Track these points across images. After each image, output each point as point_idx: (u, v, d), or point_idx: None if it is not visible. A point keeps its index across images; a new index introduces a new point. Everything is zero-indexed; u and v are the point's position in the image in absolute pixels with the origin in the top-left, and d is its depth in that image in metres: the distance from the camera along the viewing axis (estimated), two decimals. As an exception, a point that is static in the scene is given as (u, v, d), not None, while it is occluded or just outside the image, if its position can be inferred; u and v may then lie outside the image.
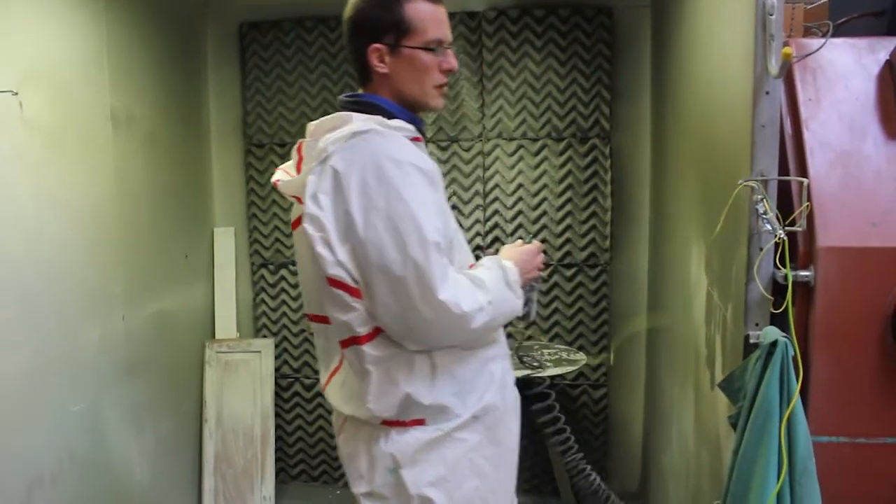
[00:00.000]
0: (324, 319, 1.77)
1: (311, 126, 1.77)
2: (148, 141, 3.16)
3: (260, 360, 3.72)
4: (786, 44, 1.65)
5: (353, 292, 1.65)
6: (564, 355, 3.33)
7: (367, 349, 1.70)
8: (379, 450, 1.76)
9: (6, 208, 2.30)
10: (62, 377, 2.57)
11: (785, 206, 1.77)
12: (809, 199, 1.73)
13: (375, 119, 1.67)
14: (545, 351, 3.40)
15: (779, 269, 1.72)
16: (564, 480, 3.25)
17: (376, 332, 1.69)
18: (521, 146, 3.63)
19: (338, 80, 3.70)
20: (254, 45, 3.74)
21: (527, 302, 1.90)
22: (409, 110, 1.80)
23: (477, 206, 3.68)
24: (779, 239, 1.66)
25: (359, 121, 1.66)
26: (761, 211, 1.67)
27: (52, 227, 2.51)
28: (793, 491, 1.60)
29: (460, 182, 3.68)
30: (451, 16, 3.53)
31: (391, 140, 1.64)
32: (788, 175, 1.79)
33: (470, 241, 3.68)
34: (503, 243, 3.65)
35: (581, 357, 3.30)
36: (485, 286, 1.68)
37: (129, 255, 2.98)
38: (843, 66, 1.87)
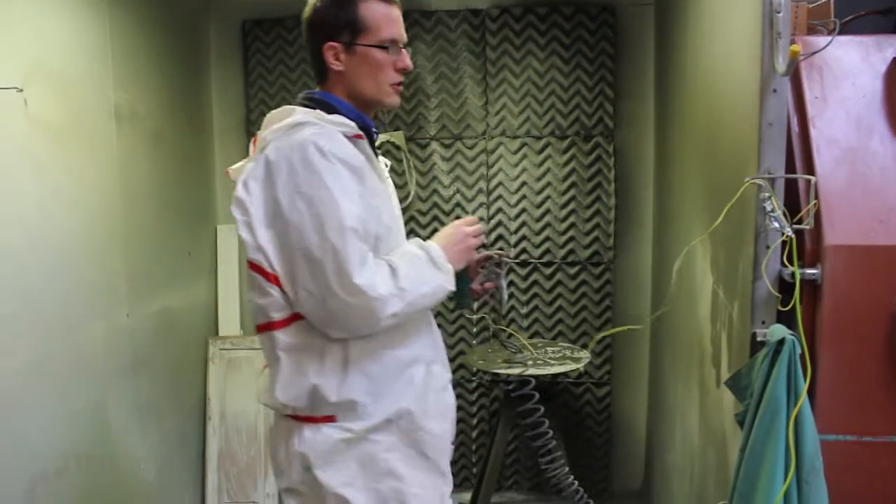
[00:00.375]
0: None
1: (266, 118, 1.81)
2: (151, 138, 3.15)
3: (263, 357, 3.72)
4: (793, 42, 1.65)
5: (270, 278, 1.70)
6: (568, 353, 3.33)
7: (280, 335, 1.74)
8: (293, 448, 1.78)
9: (10, 205, 2.30)
10: (66, 374, 2.57)
11: (792, 204, 1.77)
12: (816, 196, 1.73)
13: (315, 113, 1.73)
14: (549, 349, 3.40)
15: (786, 266, 1.72)
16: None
17: (291, 320, 1.73)
18: (524, 144, 3.62)
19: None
20: (257, 43, 3.74)
21: (494, 291, 1.95)
22: (364, 108, 1.86)
23: (480, 205, 3.68)
24: (786, 237, 1.66)
25: (300, 114, 1.73)
26: (769, 209, 1.67)
27: (55, 224, 2.50)
28: (800, 489, 1.60)
29: (464, 180, 3.67)
30: (455, 14, 3.58)
31: (324, 132, 1.68)
32: (795, 173, 1.79)
33: (473, 239, 3.67)
34: (507, 242, 3.66)
35: (585, 355, 3.29)
36: (398, 271, 1.70)
37: (133, 252, 2.98)
38: (850, 64, 1.87)
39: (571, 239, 3.64)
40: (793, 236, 1.66)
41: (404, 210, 3.64)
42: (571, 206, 3.63)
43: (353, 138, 1.74)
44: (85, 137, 2.69)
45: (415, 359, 1.84)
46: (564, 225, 3.64)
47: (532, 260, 3.68)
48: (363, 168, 1.72)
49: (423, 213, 3.70)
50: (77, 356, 2.63)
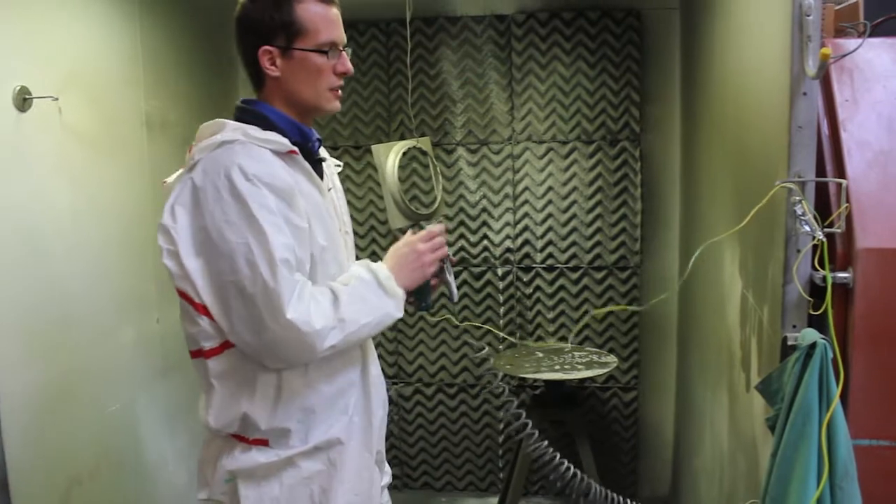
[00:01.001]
0: None
1: (198, 130, 1.73)
2: (181, 145, 3.17)
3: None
4: (822, 44, 1.64)
5: (199, 308, 1.63)
6: (595, 358, 3.32)
7: (211, 364, 1.69)
8: (222, 464, 1.75)
9: (45, 213, 2.34)
10: (99, 378, 2.61)
11: (822, 208, 1.76)
12: (848, 200, 1.72)
13: (243, 129, 1.64)
14: (576, 353, 3.39)
15: (817, 270, 1.71)
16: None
17: (222, 348, 1.67)
18: (550, 149, 3.63)
19: (367, 85, 3.72)
20: (284, 50, 3.76)
21: (434, 286, 1.89)
22: (303, 115, 1.78)
23: (507, 210, 3.68)
24: (817, 240, 1.65)
25: (229, 130, 1.64)
26: (799, 212, 1.66)
27: (89, 231, 2.54)
28: (833, 495, 1.59)
29: (490, 185, 3.68)
30: (480, 19, 3.59)
31: (250, 153, 1.60)
32: (826, 176, 1.78)
33: (499, 245, 3.69)
34: (533, 247, 3.66)
35: (612, 360, 3.29)
36: (340, 301, 1.63)
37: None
38: (881, 67, 1.85)
39: (598, 244, 3.64)
40: (824, 240, 1.65)
41: (431, 215, 3.65)
42: (598, 210, 3.62)
43: (286, 154, 1.67)
44: (117, 145, 2.73)
45: (350, 384, 1.80)
46: (591, 230, 3.64)
47: (558, 265, 3.68)
48: (291, 190, 1.62)
49: (450, 219, 3.71)
50: (109, 361, 2.67)
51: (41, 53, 2.33)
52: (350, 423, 1.80)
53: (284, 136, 1.69)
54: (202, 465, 1.84)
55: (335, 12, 1.76)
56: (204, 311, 1.63)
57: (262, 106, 1.75)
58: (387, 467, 2.06)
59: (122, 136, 2.77)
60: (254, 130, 1.65)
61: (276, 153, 1.65)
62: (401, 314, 1.74)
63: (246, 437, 1.74)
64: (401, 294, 1.74)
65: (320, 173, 1.84)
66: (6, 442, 2.13)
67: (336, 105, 1.80)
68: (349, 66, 1.78)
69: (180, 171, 1.71)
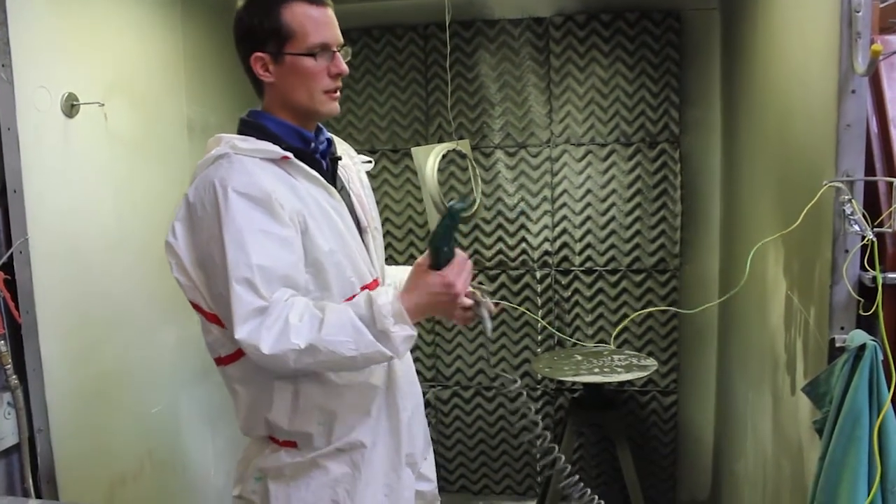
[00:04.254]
0: None
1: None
2: (223, 150, 3.22)
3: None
4: (873, 41, 1.62)
5: (209, 317, 1.66)
6: (634, 361, 3.30)
7: (230, 371, 1.74)
8: (254, 463, 1.81)
9: (92, 218, 2.38)
10: (142, 378, 2.64)
11: (870, 208, 1.73)
12: (899, 199, 1.69)
13: (233, 142, 1.65)
14: (615, 357, 3.37)
15: (866, 271, 1.68)
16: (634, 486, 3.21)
17: (237, 356, 1.69)
18: (589, 151, 3.61)
19: (405, 88, 3.73)
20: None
21: (478, 322, 1.74)
22: (303, 120, 1.76)
23: (545, 213, 3.67)
24: (868, 240, 1.63)
25: (223, 144, 1.65)
26: (848, 212, 1.64)
27: (132, 234, 2.57)
28: (885, 500, 1.56)
29: (528, 188, 3.67)
30: (518, 22, 3.59)
31: (233, 166, 1.60)
32: (875, 175, 1.75)
33: (537, 248, 3.67)
34: (572, 249, 3.64)
35: (651, 363, 3.26)
36: (322, 326, 1.54)
37: (205, 261, 3.05)
38: (931, 64, 1.82)
39: (637, 246, 3.61)
40: (874, 239, 1.62)
41: (470, 218, 3.65)
42: (637, 213, 3.60)
43: (281, 161, 1.66)
44: (160, 151, 2.76)
45: (371, 387, 1.78)
46: (630, 232, 3.61)
47: (597, 268, 3.66)
48: (271, 198, 1.59)
49: (488, 222, 3.71)
50: (152, 362, 2.71)
51: (87, 60, 2.37)
52: (375, 425, 1.80)
53: (278, 142, 1.69)
54: (240, 464, 1.90)
55: (327, 13, 1.72)
56: (214, 319, 1.65)
57: (261, 115, 1.76)
58: (430, 473, 2.04)
59: (164, 141, 2.80)
60: (242, 142, 1.65)
61: (271, 161, 1.65)
62: (397, 355, 1.60)
63: (277, 438, 1.78)
64: (398, 335, 1.57)
65: (331, 173, 1.82)
66: (54, 437, 2.16)
67: (333, 107, 1.76)
68: (343, 66, 1.73)
69: None
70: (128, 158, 2.57)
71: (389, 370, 1.83)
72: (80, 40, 2.35)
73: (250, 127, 1.73)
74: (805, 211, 1.83)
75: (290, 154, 1.67)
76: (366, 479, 1.78)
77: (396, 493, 1.84)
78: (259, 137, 1.69)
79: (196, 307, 1.69)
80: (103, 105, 2.39)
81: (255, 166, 1.62)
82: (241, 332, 1.52)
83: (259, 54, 1.70)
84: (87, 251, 2.36)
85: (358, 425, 1.78)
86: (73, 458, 2.26)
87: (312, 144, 1.77)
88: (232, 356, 1.71)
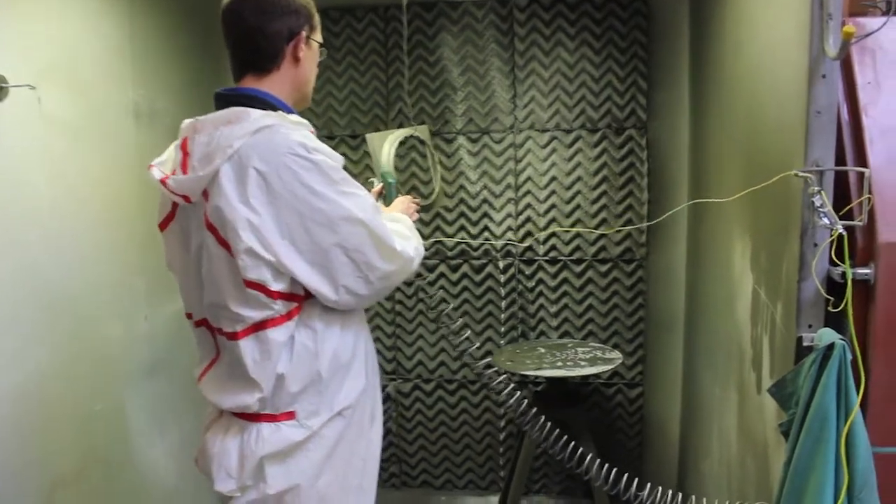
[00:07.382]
0: (205, 323, 1.84)
1: (196, 122, 1.72)
2: (170, 135, 3.00)
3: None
4: (843, 23, 1.53)
5: (273, 295, 1.66)
6: (599, 354, 3.22)
7: (272, 334, 1.70)
8: (250, 449, 1.74)
9: (23, 204, 2.24)
10: (84, 376, 2.52)
11: (841, 199, 1.66)
12: (870, 190, 1.61)
13: (277, 114, 1.66)
14: (579, 349, 3.29)
15: (835, 265, 1.60)
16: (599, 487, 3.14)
17: (284, 319, 1.70)
18: (554, 138, 3.51)
19: (364, 72, 3.61)
20: (279, 36, 3.66)
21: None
22: (297, 104, 1.84)
23: (508, 200, 3.57)
24: (836, 234, 1.54)
25: (258, 115, 1.64)
26: (817, 204, 1.56)
27: (71, 223, 2.45)
28: (852, 507, 1.49)
29: (491, 175, 3.57)
30: (482, 4, 3.47)
31: (300, 130, 1.66)
32: (845, 165, 1.67)
33: (501, 236, 3.58)
34: (536, 239, 3.55)
35: (616, 356, 3.18)
36: (406, 233, 1.87)
37: (151, 253, 2.90)
38: (905, 47, 1.74)
39: (602, 236, 3.53)
40: (844, 233, 1.54)
41: (429, 207, 3.56)
42: (602, 201, 3.51)
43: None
44: (102, 136, 2.63)
45: (360, 350, 1.87)
46: (595, 221, 3.53)
47: (562, 257, 3.57)
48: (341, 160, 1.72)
49: (449, 210, 3.61)
50: (96, 358, 2.58)
51: (18, 42, 2.23)
52: (365, 386, 1.86)
53: None
54: (220, 458, 1.79)
55: None
56: (278, 295, 1.66)
57: (267, 95, 1.75)
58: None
59: (108, 126, 2.67)
60: (284, 114, 1.69)
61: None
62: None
63: (273, 413, 1.74)
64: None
65: None
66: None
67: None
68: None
69: (158, 167, 1.78)
70: (65, 144, 2.43)
71: (367, 334, 1.94)
72: (12, 22, 2.21)
73: (261, 104, 1.70)
74: (759, 188, 1.74)
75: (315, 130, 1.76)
76: (359, 432, 1.86)
77: (375, 449, 1.96)
78: None
79: (255, 286, 1.64)
80: (34, 88, 2.25)
81: (312, 134, 1.71)
82: (397, 244, 1.74)
83: (303, 34, 1.76)
84: (20, 243, 2.23)
85: (353, 387, 1.83)
86: (6, 463, 2.15)
87: None
88: (276, 319, 1.69)
